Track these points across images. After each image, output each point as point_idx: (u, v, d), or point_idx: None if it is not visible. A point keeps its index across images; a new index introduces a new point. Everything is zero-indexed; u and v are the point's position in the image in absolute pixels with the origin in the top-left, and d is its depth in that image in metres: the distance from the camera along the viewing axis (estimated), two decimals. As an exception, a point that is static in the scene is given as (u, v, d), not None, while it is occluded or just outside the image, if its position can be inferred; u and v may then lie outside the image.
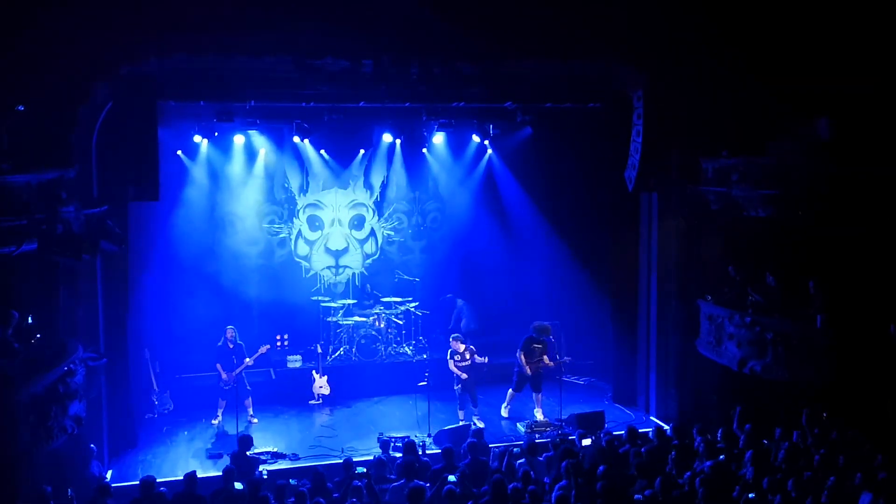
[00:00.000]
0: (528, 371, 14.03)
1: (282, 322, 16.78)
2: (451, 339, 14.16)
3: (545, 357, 14.18)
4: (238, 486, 9.78)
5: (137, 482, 10.23)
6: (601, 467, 9.64)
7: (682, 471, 10.01)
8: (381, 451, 11.51)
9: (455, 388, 13.97)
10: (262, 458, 12.11)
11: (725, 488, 9.38)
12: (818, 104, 12.54)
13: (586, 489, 9.34)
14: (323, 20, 11.86)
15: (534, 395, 14.30)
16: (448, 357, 14.02)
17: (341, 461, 10.95)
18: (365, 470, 10.14)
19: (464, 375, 13.78)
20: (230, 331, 14.02)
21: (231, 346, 13.91)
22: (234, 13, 11.53)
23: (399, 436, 12.58)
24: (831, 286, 12.28)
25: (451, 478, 9.52)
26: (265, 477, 11.07)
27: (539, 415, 14.17)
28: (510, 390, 14.40)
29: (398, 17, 12.04)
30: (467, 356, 13.88)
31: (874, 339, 11.48)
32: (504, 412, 14.46)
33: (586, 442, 11.43)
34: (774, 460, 10.38)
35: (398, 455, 11.20)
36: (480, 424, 13.52)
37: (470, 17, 12.23)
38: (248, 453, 11.39)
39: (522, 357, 14.05)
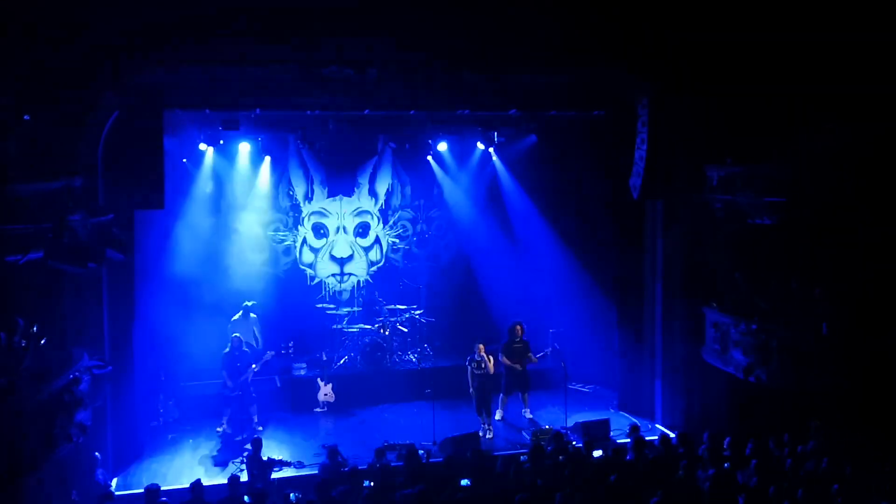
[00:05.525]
0: (520, 367, 14.34)
1: (287, 329, 16.78)
2: (477, 345, 14.26)
3: (530, 355, 14.46)
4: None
5: (142, 490, 10.25)
6: (610, 476, 9.61)
7: (686, 479, 9.97)
8: (386, 458, 11.48)
9: (470, 391, 14.07)
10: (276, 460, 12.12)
11: (729, 496, 9.35)
12: (824, 111, 12.53)
13: (591, 497, 9.31)
14: (328, 29, 11.91)
15: (521, 395, 14.65)
16: (466, 362, 14.19)
17: (346, 469, 10.95)
18: (371, 483, 10.12)
19: (470, 390, 13.93)
20: (235, 338, 14.03)
21: (236, 354, 13.92)
22: (240, 22, 11.56)
23: (404, 444, 12.56)
24: (837, 293, 12.26)
25: (465, 482, 9.50)
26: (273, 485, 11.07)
27: (527, 413, 14.57)
28: (501, 395, 14.53)
29: (403, 25, 12.08)
30: (484, 365, 13.95)
31: (880, 346, 11.45)
32: (498, 415, 14.57)
33: (597, 453, 11.36)
34: (781, 469, 10.34)
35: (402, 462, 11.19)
36: (490, 435, 13.52)
37: (474, 25, 12.27)
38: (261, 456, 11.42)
39: (506, 360, 14.31)
